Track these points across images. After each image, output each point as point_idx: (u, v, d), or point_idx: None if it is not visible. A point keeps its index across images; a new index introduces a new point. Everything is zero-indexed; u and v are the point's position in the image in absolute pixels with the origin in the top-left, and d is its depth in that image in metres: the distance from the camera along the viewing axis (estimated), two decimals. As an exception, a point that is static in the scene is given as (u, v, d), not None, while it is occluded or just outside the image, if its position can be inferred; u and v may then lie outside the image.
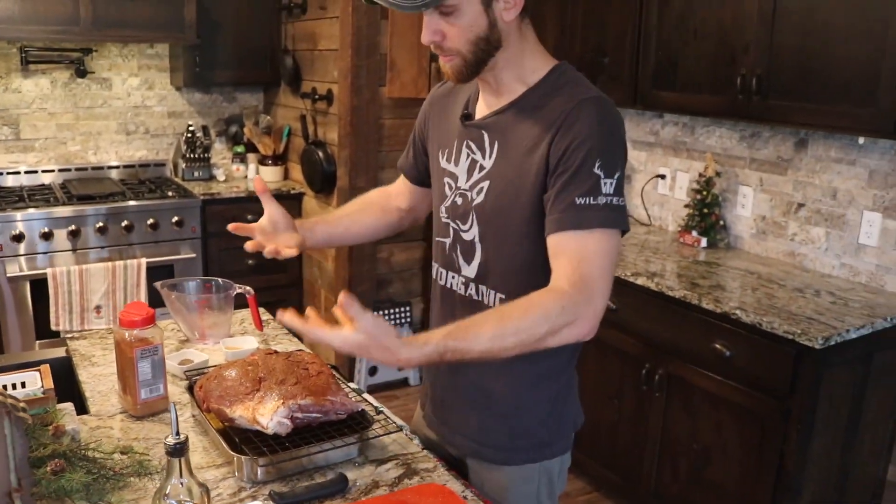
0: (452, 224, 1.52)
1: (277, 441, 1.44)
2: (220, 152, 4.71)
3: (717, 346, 2.51)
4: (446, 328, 1.25)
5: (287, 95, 4.51)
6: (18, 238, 3.60)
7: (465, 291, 1.51)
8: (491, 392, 1.52)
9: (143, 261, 3.80)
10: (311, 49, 4.17)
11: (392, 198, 1.79)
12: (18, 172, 4.15)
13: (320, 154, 4.03)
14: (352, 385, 1.86)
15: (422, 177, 1.71)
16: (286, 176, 4.60)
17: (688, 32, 2.90)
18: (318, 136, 4.16)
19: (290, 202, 4.39)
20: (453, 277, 1.54)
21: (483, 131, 1.46)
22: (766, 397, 2.40)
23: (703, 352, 2.57)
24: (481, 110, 1.49)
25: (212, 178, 4.50)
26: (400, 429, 1.54)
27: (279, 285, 4.44)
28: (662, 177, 3.49)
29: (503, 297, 1.45)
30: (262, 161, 4.55)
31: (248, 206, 4.22)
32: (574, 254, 1.28)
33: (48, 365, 1.63)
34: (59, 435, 1.45)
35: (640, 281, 2.76)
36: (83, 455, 1.38)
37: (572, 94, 1.35)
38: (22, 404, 1.30)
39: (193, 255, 4.01)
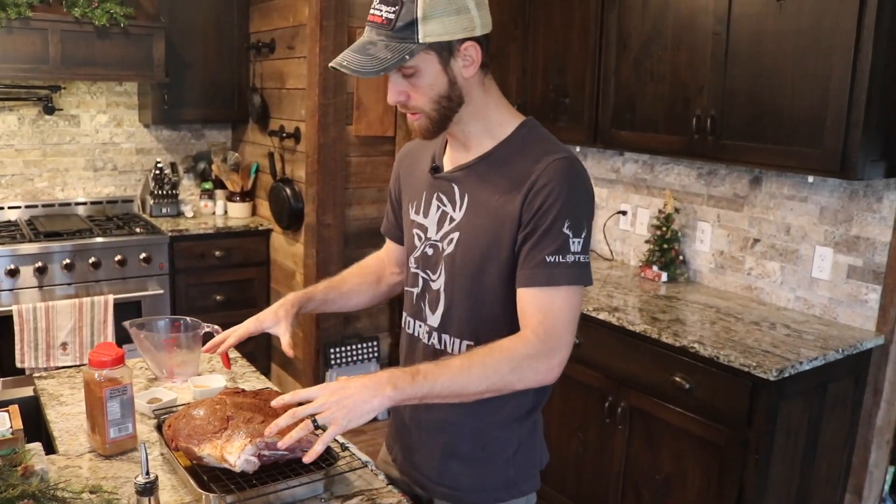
0: (422, 274, 1.57)
1: (245, 478, 1.47)
2: (188, 189, 4.73)
3: (677, 378, 2.58)
4: (424, 364, 1.35)
5: (255, 133, 4.56)
6: (-17, 276, 3.59)
7: (429, 340, 1.57)
8: (458, 435, 1.55)
9: (111, 297, 3.80)
10: (279, 88, 4.23)
11: (387, 265, 1.83)
12: (-16, 209, 4.13)
13: (288, 191, 4.07)
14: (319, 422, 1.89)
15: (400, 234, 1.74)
16: (254, 212, 4.63)
17: (645, 74, 3.01)
18: (286, 174, 4.20)
19: (258, 238, 4.42)
20: (420, 326, 1.59)
21: (453, 184, 1.51)
22: (724, 428, 2.46)
23: (663, 384, 2.64)
24: (449, 163, 1.55)
25: (180, 214, 4.51)
26: (365, 465, 1.57)
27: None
28: (624, 213, 3.59)
29: (471, 343, 1.50)
30: (230, 198, 4.57)
31: (216, 243, 4.24)
32: (541, 308, 1.37)
33: (17, 406, 1.64)
34: (28, 475, 1.46)
35: (602, 316, 2.83)
36: (52, 495, 1.39)
37: (543, 153, 1.42)
38: (-8, 446, 1.32)
39: (161, 292, 4.01)
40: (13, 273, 3.65)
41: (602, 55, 3.19)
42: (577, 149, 3.74)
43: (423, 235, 1.56)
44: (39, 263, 3.70)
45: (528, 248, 1.39)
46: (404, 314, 1.65)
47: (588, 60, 3.25)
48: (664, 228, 3.25)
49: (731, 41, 2.68)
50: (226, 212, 4.61)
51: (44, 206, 4.29)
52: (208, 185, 4.64)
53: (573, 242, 1.37)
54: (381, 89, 3.92)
